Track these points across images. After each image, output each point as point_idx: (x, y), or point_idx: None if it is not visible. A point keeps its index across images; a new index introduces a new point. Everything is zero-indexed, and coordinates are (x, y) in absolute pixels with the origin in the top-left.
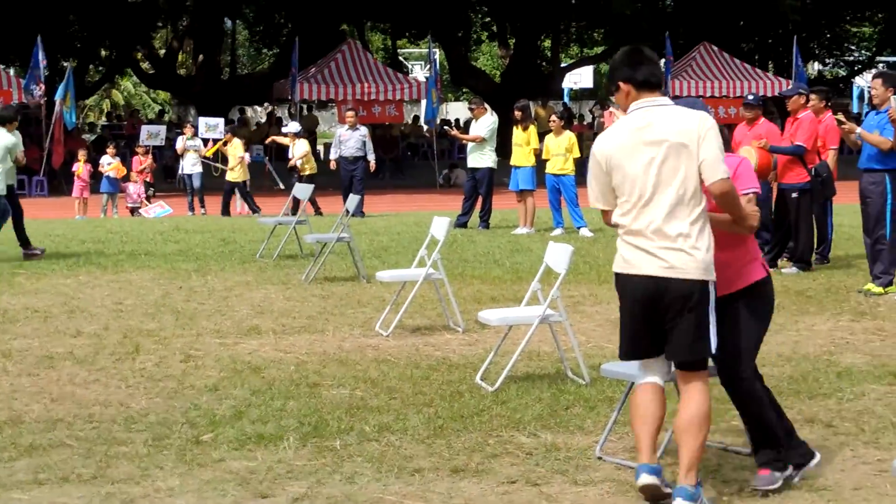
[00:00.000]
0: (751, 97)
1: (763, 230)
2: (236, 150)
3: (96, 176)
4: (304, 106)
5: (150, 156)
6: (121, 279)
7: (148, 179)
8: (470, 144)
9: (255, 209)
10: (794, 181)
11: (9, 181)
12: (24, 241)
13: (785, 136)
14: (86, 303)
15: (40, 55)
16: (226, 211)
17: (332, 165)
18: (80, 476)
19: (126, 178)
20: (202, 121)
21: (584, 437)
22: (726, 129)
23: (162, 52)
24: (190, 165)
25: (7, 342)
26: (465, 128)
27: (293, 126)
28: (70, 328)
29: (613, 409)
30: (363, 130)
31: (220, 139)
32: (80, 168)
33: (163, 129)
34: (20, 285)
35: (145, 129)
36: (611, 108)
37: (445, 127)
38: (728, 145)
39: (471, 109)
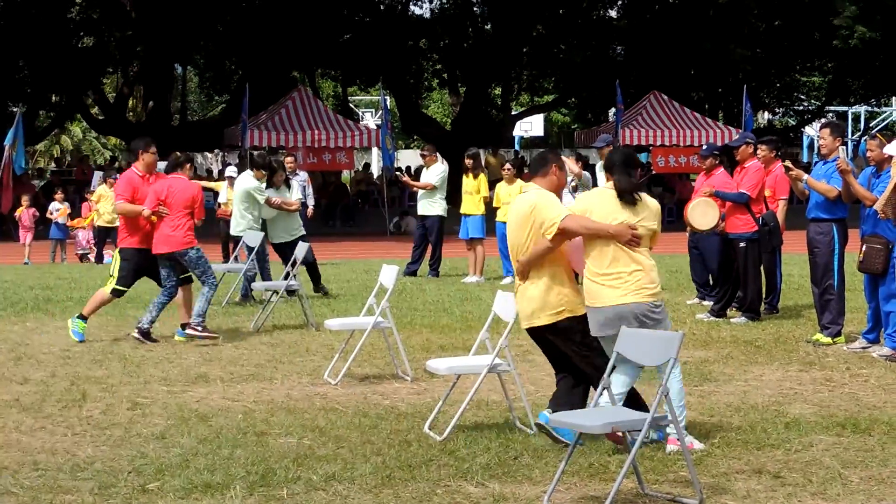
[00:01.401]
0: (705, 148)
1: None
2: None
3: (45, 221)
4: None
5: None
6: (68, 326)
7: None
8: (420, 192)
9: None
10: (741, 230)
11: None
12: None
13: (733, 186)
14: (33, 349)
15: None
16: (98, 258)
17: None
18: None
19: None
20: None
21: (532, 486)
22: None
23: (112, 97)
24: None
25: None
26: (416, 175)
27: (231, 170)
28: (17, 375)
29: (562, 459)
30: (303, 176)
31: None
32: (20, 211)
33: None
34: None
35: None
36: (563, 157)
37: (397, 173)
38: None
39: (423, 157)
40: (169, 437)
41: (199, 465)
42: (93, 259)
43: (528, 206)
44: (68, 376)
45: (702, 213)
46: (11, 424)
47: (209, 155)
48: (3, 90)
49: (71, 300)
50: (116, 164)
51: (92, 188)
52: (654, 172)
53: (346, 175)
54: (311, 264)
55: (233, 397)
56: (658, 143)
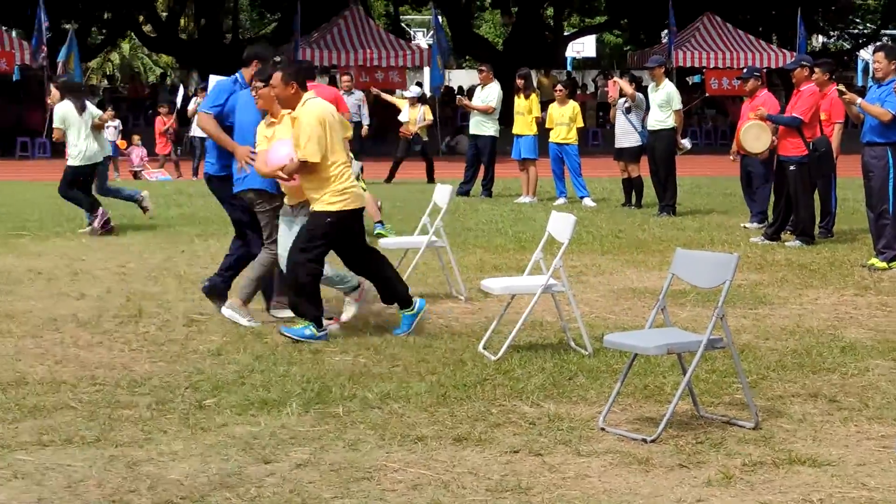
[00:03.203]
0: (745, 71)
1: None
2: None
3: None
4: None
5: (172, 116)
6: (124, 242)
7: (171, 139)
8: (474, 112)
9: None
10: (791, 153)
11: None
12: None
13: (788, 109)
14: (89, 265)
15: (42, 17)
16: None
17: None
18: (83, 438)
19: (129, 143)
20: (213, 79)
21: (587, 407)
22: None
23: (164, 14)
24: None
25: (11, 304)
26: (469, 94)
27: (414, 90)
28: (73, 291)
29: (616, 380)
30: (358, 95)
31: None
32: None
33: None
34: (24, 247)
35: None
36: (614, 78)
37: (459, 96)
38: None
39: (480, 72)
40: (225, 353)
41: (255, 382)
42: (146, 177)
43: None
44: (124, 292)
45: (755, 137)
46: (69, 339)
47: None
48: (55, 8)
49: (125, 217)
50: (168, 81)
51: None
52: (707, 95)
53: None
54: None
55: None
56: (711, 65)
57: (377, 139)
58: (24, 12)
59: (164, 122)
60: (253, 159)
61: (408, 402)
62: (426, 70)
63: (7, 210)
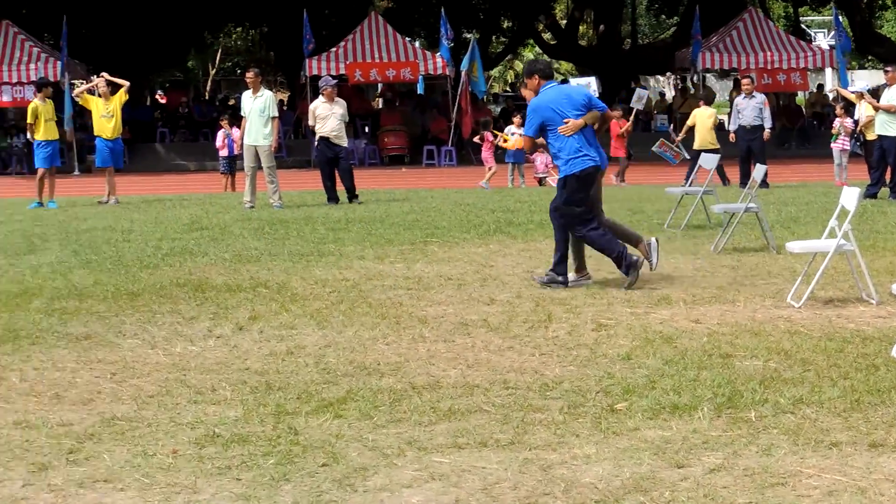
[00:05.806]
0: None
1: None
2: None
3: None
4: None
5: (626, 120)
6: (531, 248)
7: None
8: (880, 112)
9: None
10: None
11: None
12: None
13: None
14: (498, 271)
15: (445, 27)
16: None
17: (732, 138)
18: (497, 441)
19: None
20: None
21: None
22: None
23: (563, 22)
24: None
25: (423, 309)
26: (874, 95)
27: (862, 84)
28: (483, 296)
29: None
30: (760, 98)
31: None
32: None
33: (646, 93)
34: (433, 253)
35: (637, 92)
36: None
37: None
38: None
39: (886, 72)
40: (634, 357)
41: (666, 386)
42: (551, 183)
43: None
44: (533, 297)
45: None
46: (480, 344)
47: (661, 78)
48: (457, 17)
49: (531, 223)
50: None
51: (630, 104)
52: None
53: (800, 97)
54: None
55: (696, 319)
56: None
57: (780, 142)
58: (426, 22)
59: (619, 125)
60: None
61: (821, 406)
62: (828, 71)
63: (416, 217)
